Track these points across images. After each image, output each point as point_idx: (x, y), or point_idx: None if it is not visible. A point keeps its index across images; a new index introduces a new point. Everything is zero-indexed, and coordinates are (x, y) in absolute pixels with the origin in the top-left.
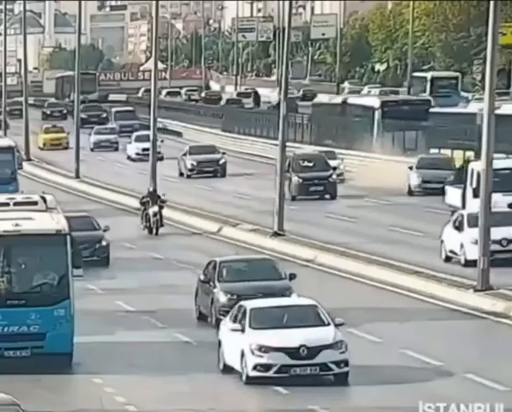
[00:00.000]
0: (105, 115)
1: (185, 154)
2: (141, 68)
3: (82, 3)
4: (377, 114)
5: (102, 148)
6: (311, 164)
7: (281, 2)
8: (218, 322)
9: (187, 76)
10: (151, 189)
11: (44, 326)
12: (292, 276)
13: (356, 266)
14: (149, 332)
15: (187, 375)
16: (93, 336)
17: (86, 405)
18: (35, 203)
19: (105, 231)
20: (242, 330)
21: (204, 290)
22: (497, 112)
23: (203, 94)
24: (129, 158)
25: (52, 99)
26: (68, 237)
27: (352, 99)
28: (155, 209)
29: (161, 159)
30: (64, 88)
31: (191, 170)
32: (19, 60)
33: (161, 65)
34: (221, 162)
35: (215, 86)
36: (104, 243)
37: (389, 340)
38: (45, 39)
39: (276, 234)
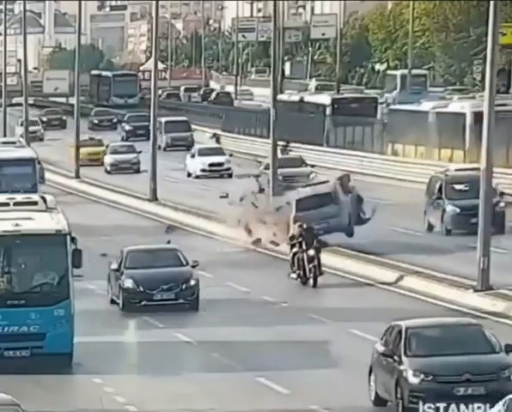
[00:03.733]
0: None
1: (266, 168)
2: (141, 68)
3: (82, 3)
4: (328, 111)
5: (121, 171)
6: (467, 188)
7: (281, 2)
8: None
9: (187, 76)
10: (305, 225)
11: (44, 326)
12: (509, 349)
13: (356, 266)
14: (149, 332)
15: (187, 375)
16: (93, 336)
17: (86, 405)
18: (35, 203)
19: (193, 266)
20: None
21: (385, 366)
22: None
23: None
24: (190, 175)
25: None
26: (68, 237)
27: (308, 97)
28: (312, 252)
29: (231, 176)
30: (99, 90)
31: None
32: (19, 60)
33: (161, 65)
34: (310, 177)
35: (215, 86)
36: (192, 282)
37: None
38: (45, 39)
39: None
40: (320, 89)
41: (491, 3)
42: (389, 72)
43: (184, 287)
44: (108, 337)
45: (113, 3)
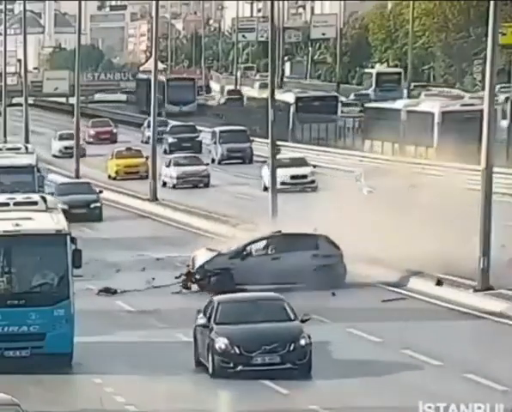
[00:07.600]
0: (199, 138)
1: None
2: (141, 68)
3: (82, 3)
4: (292, 108)
5: (189, 184)
6: None
7: (280, 2)
8: None
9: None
10: None
11: (44, 326)
12: None
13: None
14: (149, 332)
15: (187, 375)
16: (93, 336)
17: (86, 405)
18: (35, 203)
19: (304, 321)
20: None
21: None
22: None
23: None
24: (266, 189)
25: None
26: (68, 237)
27: (276, 96)
28: None
29: (315, 189)
30: (149, 96)
31: None
32: (19, 60)
33: (161, 65)
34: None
35: (215, 86)
36: (303, 342)
37: (389, 340)
38: (45, 39)
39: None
40: (263, 87)
41: (491, 2)
42: (366, 70)
43: (292, 347)
44: (108, 337)
45: (113, 3)
